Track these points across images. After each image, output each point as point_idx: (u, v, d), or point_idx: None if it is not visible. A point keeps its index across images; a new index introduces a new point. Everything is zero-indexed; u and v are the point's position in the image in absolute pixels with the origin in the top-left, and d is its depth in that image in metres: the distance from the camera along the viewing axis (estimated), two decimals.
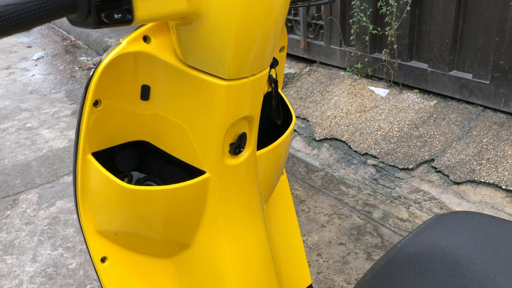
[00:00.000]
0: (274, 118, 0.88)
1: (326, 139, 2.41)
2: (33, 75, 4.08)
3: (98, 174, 0.76)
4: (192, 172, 0.79)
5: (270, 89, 0.87)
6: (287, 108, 0.93)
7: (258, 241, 0.89)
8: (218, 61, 0.65)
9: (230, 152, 0.78)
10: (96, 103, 0.71)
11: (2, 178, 2.40)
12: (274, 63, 0.83)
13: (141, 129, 0.78)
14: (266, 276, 0.90)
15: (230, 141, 0.77)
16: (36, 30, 5.76)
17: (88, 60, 4.42)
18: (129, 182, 0.83)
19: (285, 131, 0.93)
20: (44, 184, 2.34)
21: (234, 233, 0.85)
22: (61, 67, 4.27)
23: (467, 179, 1.89)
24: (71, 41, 5.13)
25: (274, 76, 0.84)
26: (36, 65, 4.37)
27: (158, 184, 0.83)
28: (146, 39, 0.69)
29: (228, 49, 0.64)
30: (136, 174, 0.84)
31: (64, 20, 5.44)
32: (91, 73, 0.69)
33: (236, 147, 0.78)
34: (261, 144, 0.88)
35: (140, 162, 0.84)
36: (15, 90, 3.72)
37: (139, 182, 0.83)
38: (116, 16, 0.51)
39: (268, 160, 0.89)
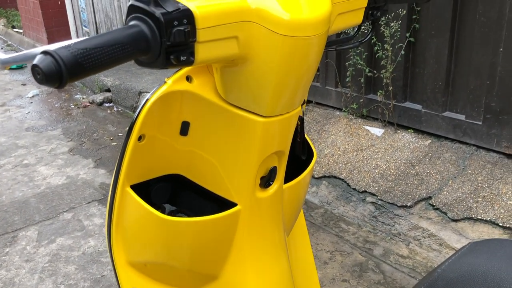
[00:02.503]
0: (299, 153, 0.93)
1: (324, 176, 2.46)
2: (29, 112, 4.10)
3: (135, 206, 0.80)
4: (222, 204, 0.83)
5: (295, 126, 0.92)
6: (308, 144, 0.98)
7: (281, 273, 0.92)
8: (258, 99, 0.71)
9: (260, 185, 0.82)
10: (140, 138, 0.75)
11: (0, 215, 2.39)
12: (303, 102, 0.89)
13: (178, 163, 0.83)
14: None
15: (261, 174, 0.81)
16: (30, 68, 5.81)
17: (83, 98, 4.46)
18: (162, 213, 0.86)
19: (306, 167, 0.97)
20: (44, 221, 2.33)
21: (260, 266, 0.88)
22: (56, 105, 4.30)
23: (465, 216, 1.95)
24: None
25: (300, 114, 0.89)
26: (31, 102, 4.40)
27: (189, 216, 0.86)
28: (188, 79, 0.75)
29: (268, 90, 0.69)
30: (168, 207, 0.87)
31: None
32: (137, 110, 0.74)
33: (267, 180, 0.82)
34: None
35: (173, 195, 0.88)
36: (10, 127, 3.73)
37: (171, 214, 0.86)
38: (182, 58, 0.56)
39: (292, 194, 0.93)
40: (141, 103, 0.74)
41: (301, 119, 0.89)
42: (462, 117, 2.27)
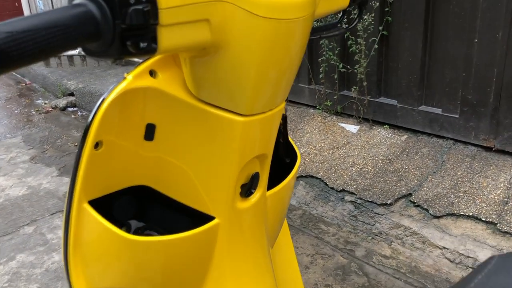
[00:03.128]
0: (282, 156, 0.83)
1: (301, 176, 2.38)
2: None
3: (95, 225, 0.68)
4: (198, 218, 0.72)
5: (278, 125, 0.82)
6: (291, 145, 0.88)
7: None
8: (236, 95, 0.60)
9: (241, 194, 0.72)
10: (97, 145, 0.64)
11: None
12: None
13: (143, 173, 0.71)
14: None
15: (241, 182, 0.71)
16: None
17: (45, 103, 4.25)
18: (127, 231, 0.74)
19: (289, 170, 0.88)
20: (2, 236, 2.15)
21: (243, 284, 0.78)
22: (16, 111, 4.08)
23: (447, 212, 1.89)
24: (26, 84, 4.95)
25: (283, 111, 0.79)
26: None
27: (159, 233, 0.75)
28: (152, 73, 0.63)
29: (246, 84, 0.59)
30: (134, 223, 0.76)
31: None
32: (92, 112, 0.62)
33: (248, 188, 0.72)
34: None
35: (139, 209, 0.77)
36: None
37: (138, 232, 0.75)
38: (141, 45, 0.45)
39: (276, 201, 0.83)
40: (96, 104, 0.62)
41: (284, 118, 0.80)
42: (438, 110, 2.23)
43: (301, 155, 2.47)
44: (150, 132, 0.67)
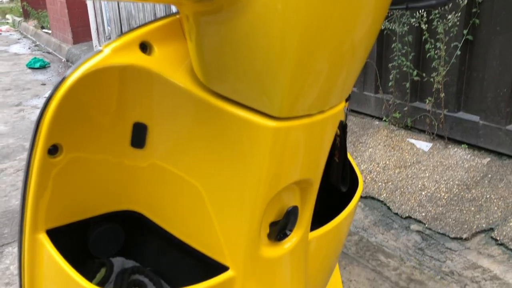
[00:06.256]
0: (336, 183, 0.58)
1: (360, 197, 2.10)
2: None
3: (52, 264, 0.46)
4: (205, 265, 0.49)
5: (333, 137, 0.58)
6: (351, 167, 0.63)
7: None
8: (266, 84, 0.36)
9: (270, 236, 0.48)
10: (54, 150, 0.42)
11: None
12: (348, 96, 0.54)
13: (130, 193, 0.49)
14: None
15: (271, 219, 0.47)
16: (53, 68, 5.66)
17: None
18: (108, 274, 0.53)
19: (345, 201, 0.63)
20: None
21: None
22: None
23: None
24: None
25: (341, 116, 0.55)
26: None
27: (151, 280, 0.53)
28: (145, 47, 0.41)
29: (285, 64, 0.35)
30: (119, 262, 0.54)
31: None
32: (47, 97, 0.41)
33: (281, 229, 0.48)
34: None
35: (128, 243, 0.54)
36: (21, 128, 3.51)
37: (122, 277, 0.53)
38: None
39: (323, 247, 0.58)
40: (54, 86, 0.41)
41: (342, 127, 0.55)
42: None
43: (361, 172, 2.19)
44: (139, 135, 0.45)
